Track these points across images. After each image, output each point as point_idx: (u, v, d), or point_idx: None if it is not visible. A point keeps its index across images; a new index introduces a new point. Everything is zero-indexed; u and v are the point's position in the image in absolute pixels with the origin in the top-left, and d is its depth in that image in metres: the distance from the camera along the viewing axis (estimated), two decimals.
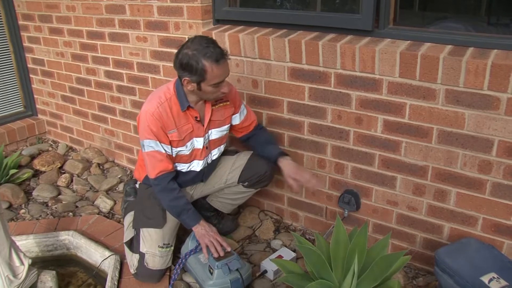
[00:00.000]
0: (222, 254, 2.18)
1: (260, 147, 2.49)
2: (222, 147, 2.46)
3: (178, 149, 2.24)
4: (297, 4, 2.69)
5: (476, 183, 2.08)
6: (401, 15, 2.35)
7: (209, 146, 2.36)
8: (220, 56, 2.01)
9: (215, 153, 2.42)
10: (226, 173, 2.51)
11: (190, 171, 2.38)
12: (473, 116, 1.98)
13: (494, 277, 1.80)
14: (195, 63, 1.99)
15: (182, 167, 2.34)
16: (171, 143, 2.21)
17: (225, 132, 2.41)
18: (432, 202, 2.23)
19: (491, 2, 2.55)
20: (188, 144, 2.26)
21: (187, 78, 2.05)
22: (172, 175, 2.24)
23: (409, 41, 2.15)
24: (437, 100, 2.04)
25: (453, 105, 2.01)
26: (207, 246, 2.20)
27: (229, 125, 2.42)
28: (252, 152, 2.53)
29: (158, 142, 2.15)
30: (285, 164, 2.33)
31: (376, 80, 2.17)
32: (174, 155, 2.26)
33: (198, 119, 2.24)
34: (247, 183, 2.48)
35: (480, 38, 2.04)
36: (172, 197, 2.24)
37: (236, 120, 2.44)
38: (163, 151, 2.18)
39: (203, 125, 2.26)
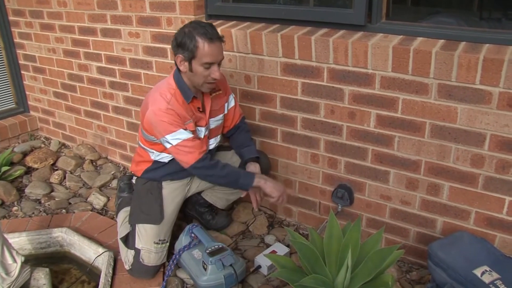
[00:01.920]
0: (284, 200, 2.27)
1: (235, 149, 2.51)
2: (218, 138, 2.46)
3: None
4: None
5: (469, 177, 2.08)
6: (393, 10, 2.35)
7: (209, 135, 2.36)
8: (214, 36, 2.03)
9: (212, 143, 2.41)
10: None
11: None
12: (466, 110, 1.98)
13: (486, 270, 1.81)
14: (189, 39, 2.01)
15: None
16: (190, 129, 2.17)
17: (220, 122, 2.41)
18: (425, 196, 2.24)
19: None
20: (195, 131, 2.26)
21: (180, 56, 2.06)
22: (207, 154, 2.22)
23: (401, 36, 2.15)
24: (430, 94, 2.04)
25: (445, 99, 2.01)
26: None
27: (223, 113, 2.42)
28: None
29: (182, 129, 2.11)
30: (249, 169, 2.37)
31: (369, 74, 2.17)
32: None
33: (201, 109, 2.24)
34: None
35: (472, 32, 2.04)
36: (220, 168, 2.19)
37: (225, 109, 2.45)
38: (191, 135, 2.14)
39: (206, 115, 2.27)
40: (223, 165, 2.21)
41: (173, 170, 2.34)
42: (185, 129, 2.13)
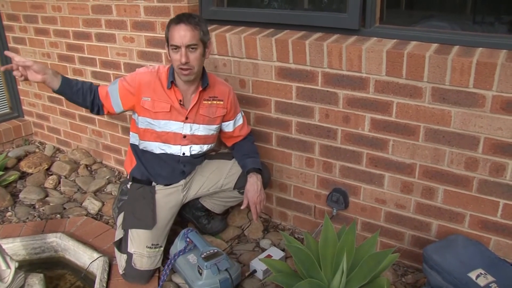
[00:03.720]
0: None
1: (237, 158, 2.52)
2: (205, 147, 2.43)
3: (147, 119, 2.28)
4: (284, 4, 2.70)
5: (463, 180, 2.09)
6: (387, 14, 2.36)
7: (189, 138, 2.35)
8: (183, 18, 2.11)
9: (195, 149, 2.39)
10: (223, 178, 2.50)
11: (165, 155, 2.37)
12: (459, 114, 1.99)
13: (481, 273, 1.81)
14: (167, 26, 2.15)
15: (152, 147, 2.35)
16: (141, 112, 2.28)
17: (212, 132, 2.40)
18: (420, 200, 2.24)
19: (476, 1, 2.57)
20: (162, 122, 2.28)
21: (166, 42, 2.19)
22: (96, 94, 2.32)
23: (395, 40, 2.16)
24: (424, 98, 2.05)
25: (439, 103, 2.02)
26: None
27: (218, 126, 2.41)
28: None
29: (119, 94, 2.29)
30: (249, 183, 2.39)
31: (363, 78, 2.18)
32: (143, 128, 2.32)
33: (182, 103, 2.25)
34: (243, 190, 2.46)
35: (465, 36, 2.06)
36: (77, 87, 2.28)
37: (230, 127, 2.46)
38: (114, 90, 2.30)
39: (186, 111, 2.27)
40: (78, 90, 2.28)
41: (157, 172, 2.40)
42: (120, 98, 2.29)
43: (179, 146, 2.35)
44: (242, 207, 2.41)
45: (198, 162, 2.48)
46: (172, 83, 2.23)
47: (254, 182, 2.37)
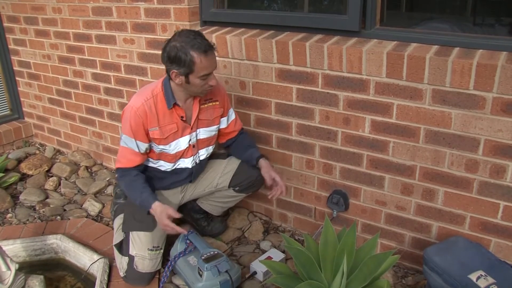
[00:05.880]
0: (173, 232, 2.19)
1: (240, 151, 2.50)
2: (210, 148, 2.45)
3: (161, 147, 2.25)
4: (285, 5, 2.70)
5: (463, 182, 2.09)
6: (387, 16, 2.36)
7: (196, 145, 2.35)
8: (208, 47, 2.01)
9: (202, 153, 2.41)
10: (217, 177, 2.50)
11: (177, 170, 2.38)
12: (460, 116, 1.99)
13: (482, 275, 1.81)
14: (183, 55, 1.98)
15: (167, 166, 2.34)
16: (153, 140, 2.22)
17: (213, 133, 2.40)
18: (420, 202, 2.24)
19: (476, 3, 2.58)
20: (172, 144, 2.25)
21: (175, 71, 2.04)
22: (135, 169, 2.25)
23: (395, 42, 2.16)
24: (424, 100, 2.05)
25: (439, 104, 2.02)
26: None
27: (218, 126, 2.41)
28: None
29: (134, 139, 2.17)
30: (265, 164, 2.38)
31: (363, 80, 2.18)
32: (157, 152, 2.27)
33: (184, 118, 2.23)
34: (238, 187, 2.48)
35: (465, 38, 2.06)
36: (125, 183, 2.25)
37: (223, 123, 2.44)
38: (136, 150, 2.20)
39: (190, 124, 2.26)
40: (131, 182, 2.23)
41: (163, 185, 2.40)
42: (137, 140, 2.17)
43: (192, 157, 2.37)
44: (269, 184, 2.36)
45: (204, 162, 2.49)
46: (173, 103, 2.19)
47: (267, 163, 2.38)
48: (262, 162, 2.38)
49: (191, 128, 2.27)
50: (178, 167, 2.37)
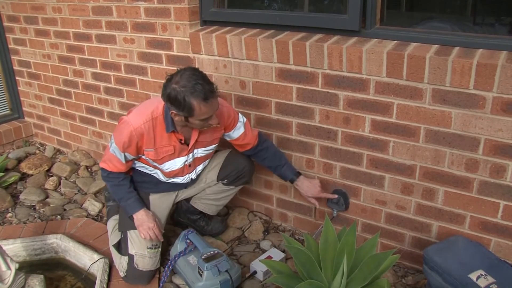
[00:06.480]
0: (154, 238, 2.27)
1: (270, 168, 2.50)
2: (207, 161, 2.47)
3: (155, 164, 2.27)
4: (285, 5, 2.70)
5: (464, 182, 2.09)
6: (387, 15, 2.36)
7: (193, 164, 2.36)
8: (209, 93, 1.95)
9: (199, 169, 2.44)
10: (205, 172, 2.51)
11: (172, 182, 2.41)
12: (460, 115, 1.99)
13: (482, 274, 1.81)
14: (183, 100, 1.94)
15: (163, 178, 2.37)
16: (147, 156, 2.22)
17: (212, 150, 2.41)
18: (420, 201, 2.24)
19: (476, 3, 2.58)
20: (167, 164, 2.26)
21: (174, 111, 2.01)
22: (121, 173, 2.29)
23: (395, 41, 2.16)
24: (424, 99, 2.05)
25: (440, 104, 2.02)
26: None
27: (217, 144, 2.40)
28: (230, 149, 2.54)
29: (123, 153, 2.17)
30: (303, 186, 2.42)
31: (364, 80, 2.18)
32: (152, 164, 2.29)
33: (183, 142, 2.22)
34: (226, 180, 2.48)
35: (465, 38, 2.06)
36: (115, 183, 2.29)
37: (229, 137, 2.42)
38: (123, 161, 2.21)
39: (188, 146, 2.25)
40: (119, 184, 2.29)
41: (147, 180, 2.40)
42: (126, 153, 2.18)
43: (187, 175, 2.38)
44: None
45: (201, 173, 2.51)
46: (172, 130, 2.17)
47: (305, 184, 2.43)
48: (300, 185, 2.44)
49: (189, 150, 2.27)
50: (173, 181, 2.40)
